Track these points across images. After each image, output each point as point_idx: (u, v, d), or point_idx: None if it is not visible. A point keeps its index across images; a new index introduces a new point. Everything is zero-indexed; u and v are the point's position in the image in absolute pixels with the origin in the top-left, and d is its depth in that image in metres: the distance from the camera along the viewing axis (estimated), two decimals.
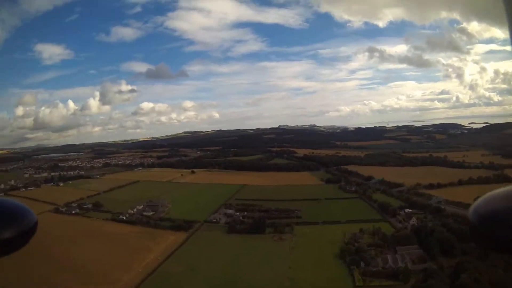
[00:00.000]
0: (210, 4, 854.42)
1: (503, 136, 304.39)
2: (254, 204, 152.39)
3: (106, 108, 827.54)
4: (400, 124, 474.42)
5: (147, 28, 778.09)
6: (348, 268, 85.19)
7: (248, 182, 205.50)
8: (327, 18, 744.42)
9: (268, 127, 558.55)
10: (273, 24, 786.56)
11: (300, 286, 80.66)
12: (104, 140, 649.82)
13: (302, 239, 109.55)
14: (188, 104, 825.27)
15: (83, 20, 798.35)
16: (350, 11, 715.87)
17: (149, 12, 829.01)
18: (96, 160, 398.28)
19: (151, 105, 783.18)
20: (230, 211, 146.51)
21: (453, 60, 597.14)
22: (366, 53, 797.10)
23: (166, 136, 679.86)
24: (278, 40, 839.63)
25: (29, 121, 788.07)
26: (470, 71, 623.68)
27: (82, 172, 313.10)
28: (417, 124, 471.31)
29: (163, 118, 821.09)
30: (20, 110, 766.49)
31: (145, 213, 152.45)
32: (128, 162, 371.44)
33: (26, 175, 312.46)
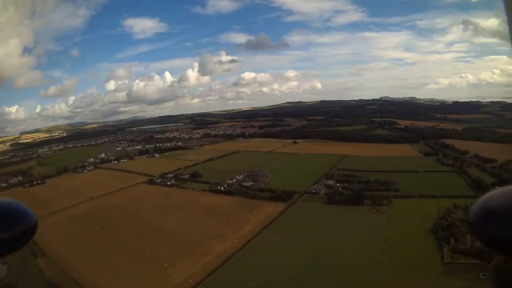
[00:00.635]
0: None
1: None
2: (354, 175, 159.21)
3: (206, 79, 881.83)
4: (494, 100, 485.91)
5: (244, 0, 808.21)
6: (439, 243, 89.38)
7: (350, 153, 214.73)
8: None
9: (370, 98, 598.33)
10: None
11: (391, 258, 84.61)
12: (204, 111, 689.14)
13: (398, 212, 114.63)
14: (290, 74, 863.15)
15: None
16: None
17: None
18: (195, 131, 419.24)
19: (252, 75, 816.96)
20: (330, 182, 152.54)
21: None
22: (461, 26, 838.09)
23: (269, 106, 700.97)
24: (377, 11, 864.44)
25: (121, 95, 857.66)
26: None
27: (179, 143, 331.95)
28: (509, 101, 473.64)
29: (265, 89, 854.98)
30: (111, 85, 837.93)
31: (244, 184, 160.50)
32: (228, 132, 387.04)
33: (119, 148, 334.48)
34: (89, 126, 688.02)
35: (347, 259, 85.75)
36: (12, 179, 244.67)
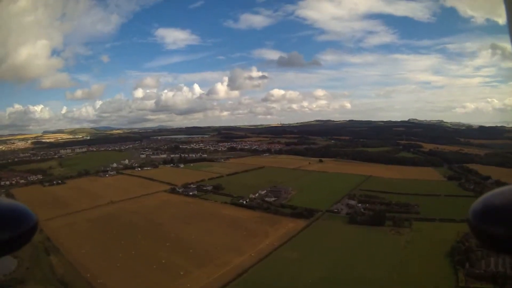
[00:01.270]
0: None
1: None
2: (377, 196, 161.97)
3: (235, 93, 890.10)
4: None
5: (277, 16, 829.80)
6: (454, 267, 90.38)
7: (374, 174, 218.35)
8: (452, 12, 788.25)
9: (398, 119, 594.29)
10: (402, 16, 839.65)
11: (406, 280, 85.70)
12: (232, 124, 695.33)
13: (417, 235, 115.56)
14: (320, 92, 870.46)
15: (208, 7, 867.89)
16: (473, 6, 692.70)
17: (279, 0, 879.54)
18: (221, 144, 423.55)
19: (282, 92, 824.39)
20: (352, 202, 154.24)
21: None
22: (489, 50, 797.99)
23: (298, 123, 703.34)
24: (407, 33, 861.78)
25: (149, 103, 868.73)
26: None
27: (204, 155, 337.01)
28: None
29: (294, 106, 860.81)
30: (139, 92, 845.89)
31: (266, 199, 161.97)
32: (254, 147, 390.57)
33: (143, 155, 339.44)
34: (114, 132, 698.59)
35: (363, 279, 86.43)
36: (31, 177, 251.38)
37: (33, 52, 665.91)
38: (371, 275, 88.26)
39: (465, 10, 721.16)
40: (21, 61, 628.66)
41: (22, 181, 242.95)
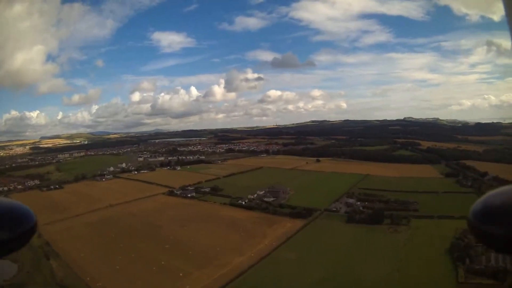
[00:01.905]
0: None
1: None
2: (375, 194, 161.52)
3: (231, 95, 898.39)
4: None
5: (271, 18, 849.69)
6: (454, 264, 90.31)
7: (372, 172, 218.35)
8: (446, 10, 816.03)
9: (394, 118, 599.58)
10: (397, 15, 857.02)
11: (406, 278, 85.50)
12: (228, 127, 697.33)
13: (416, 232, 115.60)
14: (315, 93, 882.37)
15: (203, 10, 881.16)
16: (467, 4, 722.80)
17: (273, 2, 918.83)
18: (218, 146, 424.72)
19: (278, 93, 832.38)
20: (351, 201, 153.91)
21: None
22: (485, 47, 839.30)
23: (293, 124, 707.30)
24: (402, 32, 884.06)
25: (146, 107, 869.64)
26: None
27: (202, 157, 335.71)
28: None
29: (290, 107, 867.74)
30: (136, 96, 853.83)
31: (265, 199, 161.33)
32: (252, 148, 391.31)
33: (140, 159, 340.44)
34: (111, 136, 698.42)
35: (362, 278, 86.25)
36: (29, 182, 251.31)
37: (29, 57, 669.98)
38: (371, 274, 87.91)
39: (459, 8, 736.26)
40: (17, 67, 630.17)
41: (20, 186, 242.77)
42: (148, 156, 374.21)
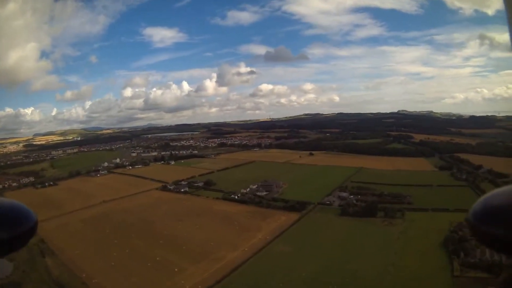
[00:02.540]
0: None
1: None
2: (369, 188, 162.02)
3: (223, 89, 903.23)
4: (509, 115, 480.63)
5: (264, 12, 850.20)
6: (449, 257, 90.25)
7: (365, 165, 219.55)
8: (440, 4, 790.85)
9: (388, 111, 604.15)
10: (390, 9, 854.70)
11: (402, 272, 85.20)
12: (221, 121, 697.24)
13: (410, 225, 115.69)
14: (308, 86, 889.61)
15: (194, 5, 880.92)
16: None
17: None
18: (211, 140, 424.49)
19: (270, 87, 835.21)
20: (344, 194, 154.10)
21: None
22: (478, 40, 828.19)
23: (286, 117, 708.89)
24: (395, 25, 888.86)
25: (138, 102, 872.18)
26: None
27: (195, 152, 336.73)
28: None
29: (283, 100, 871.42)
30: (128, 91, 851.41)
31: (258, 193, 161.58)
32: (245, 142, 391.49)
33: (134, 154, 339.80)
34: (104, 132, 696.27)
35: (357, 271, 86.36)
36: (23, 179, 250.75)
37: (23, 55, 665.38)
38: (366, 267, 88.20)
39: (453, 1, 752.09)
40: (11, 64, 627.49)
41: (15, 184, 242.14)
42: (141, 151, 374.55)
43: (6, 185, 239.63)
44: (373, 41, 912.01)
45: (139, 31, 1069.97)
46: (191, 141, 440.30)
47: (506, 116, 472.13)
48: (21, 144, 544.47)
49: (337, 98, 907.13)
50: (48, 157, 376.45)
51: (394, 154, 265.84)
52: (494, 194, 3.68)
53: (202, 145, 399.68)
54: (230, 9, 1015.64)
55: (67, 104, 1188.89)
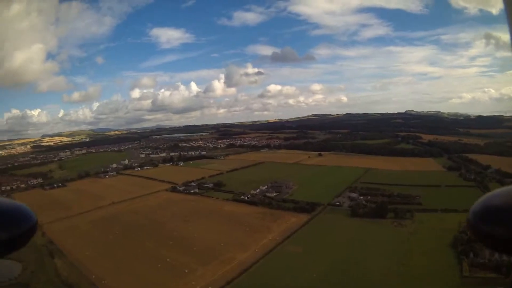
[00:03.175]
0: None
1: None
2: (378, 188, 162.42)
3: (231, 90, 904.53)
4: None
5: (269, 13, 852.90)
6: (458, 257, 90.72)
7: (374, 166, 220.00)
8: (444, 4, 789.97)
9: (395, 111, 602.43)
10: (395, 9, 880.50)
11: (410, 271, 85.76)
12: (230, 121, 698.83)
13: (419, 226, 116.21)
14: (316, 87, 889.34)
15: (201, 6, 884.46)
16: None
17: None
18: (220, 141, 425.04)
19: (278, 87, 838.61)
20: (354, 195, 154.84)
21: None
22: (483, 40, 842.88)
23: (295, 118, 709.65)
24: (401, 25, 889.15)
25: (146, 103, 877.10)
26: None
27: (204, 152, 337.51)
28: None
29: (291, 101, 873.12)
30: (136, 93, 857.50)
31: (268, 194, 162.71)
32: (254, 143, 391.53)
33: (142, 155, 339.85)
34: (112, 133, 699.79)
35: (367, 272, 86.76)
36: (31, 181, 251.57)
37: (29, 56, 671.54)
38: (376, 267, 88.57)
39: (457, 1, 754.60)
40: (17, 66, 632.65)
41: (23, 185, 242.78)
42: (150, 152, 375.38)
43: (14, 187, 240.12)
44: (380, 41, 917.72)
45: (145, 32, 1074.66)
46: (200, 142, 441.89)
47: None
48: (28, 146, 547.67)
49: (345, 99, 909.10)
50: (56, 158, 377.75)
51: (403, 154, 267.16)
52: (494, 194, 3.73)
53: (211, 146, 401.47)
54: (235, 9, 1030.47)
55: (74, 105, 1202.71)
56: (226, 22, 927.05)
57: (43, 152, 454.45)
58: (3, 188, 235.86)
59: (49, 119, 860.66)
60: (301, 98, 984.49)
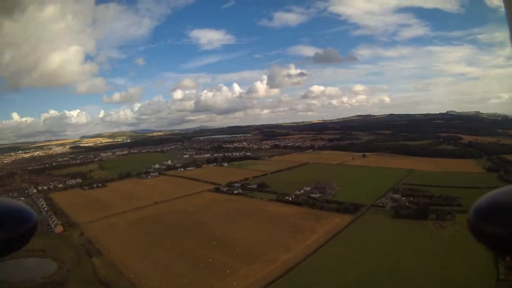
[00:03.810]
0: None
1: None
2: (420, 190, 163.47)
3: (275, 91, 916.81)
4: None
5: (310, 13, 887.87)
6: (495, 260, 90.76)
7: (416, 167, 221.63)
8: (479, 2, 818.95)
9: (437, 112, 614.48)
10: (432, 8, 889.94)
11: (449, 274, 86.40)
12: (273, 122, 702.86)
13: (460, 228, 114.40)
14: (358, 87, 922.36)
15: (240, 7, 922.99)
16: None
17: None
18: (264, 142, 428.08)
19: (321, 88, 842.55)
20: (396, 196, 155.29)
21: None
22: None
23: (338, 119, 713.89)
24: (439, 25, 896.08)
25: (189, 104, 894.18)
26: None
27: (248, 153, 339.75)
28: None
29: (334, 101, 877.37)
30: (178, 94, 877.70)
31: (312, 195, 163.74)
32: (298, 144, 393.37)
33: (186, 156, 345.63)
34: (154, 134, 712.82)
35: (407, 274, 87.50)
36: (70, 181, 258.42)
37: (66, 58, 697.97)
38: (416, 269, 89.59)
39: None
40: (54, 67, 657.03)
41: (61, 185, 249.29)
42: (194, 153, 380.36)
43: (51, 186, 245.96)
44: (419, 41, 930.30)
45: (185, 33, 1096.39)
46: (243, 143, 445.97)
47: None
48: (67, 146, 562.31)
49: (387, 99, 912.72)
50: (97, 159, 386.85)
51: (444, 155, 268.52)
52: (494, 194, 3.82)
53: (255, 147, 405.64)
54: (276, 10, 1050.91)
55: (114, 107, 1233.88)
56: (267, 23, 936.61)
57: (82, 153, 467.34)
58: (40, 188, 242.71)
59: (88, 120, 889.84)
60: (344, 99, 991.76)
